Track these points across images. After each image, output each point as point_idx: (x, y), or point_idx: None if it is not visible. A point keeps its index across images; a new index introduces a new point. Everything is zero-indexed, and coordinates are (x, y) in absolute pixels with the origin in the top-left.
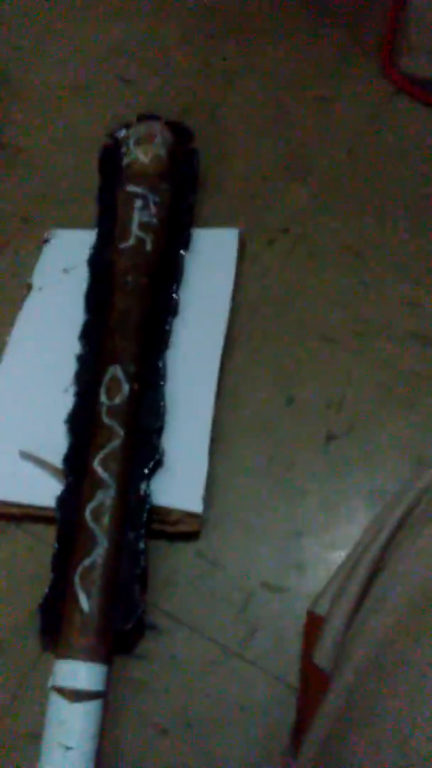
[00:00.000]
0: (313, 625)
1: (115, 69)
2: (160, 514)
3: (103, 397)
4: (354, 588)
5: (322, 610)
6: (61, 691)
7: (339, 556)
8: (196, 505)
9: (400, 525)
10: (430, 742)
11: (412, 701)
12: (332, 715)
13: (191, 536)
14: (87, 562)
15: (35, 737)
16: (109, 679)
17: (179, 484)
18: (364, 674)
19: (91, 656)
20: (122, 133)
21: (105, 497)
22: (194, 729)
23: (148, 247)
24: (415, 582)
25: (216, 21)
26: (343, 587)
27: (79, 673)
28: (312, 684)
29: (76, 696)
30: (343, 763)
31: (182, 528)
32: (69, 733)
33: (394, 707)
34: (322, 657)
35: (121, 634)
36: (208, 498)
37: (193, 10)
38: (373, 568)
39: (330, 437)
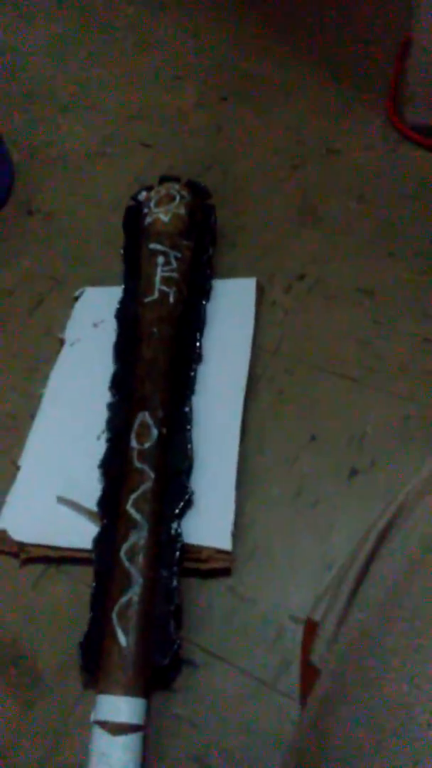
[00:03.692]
0: (310, 629)
1: (136, 134)
2: (192, 552)
3: (133, 442)
4: (344, 594)
5: (318, 616)
6: (103, 725)
7: None
8: (225, 543)
9: (383, 535)
10: (379, 731)
11: (378, 686)
12: (318, 701)
13: (223, 573)
14: (123, 600)
15: None
16: (149, 714)
17: (209, 522)
18: (344, 664)
19: (130, 691)
20: (143, 194)
21: (138, 537)
22: (232, 761)
23: (171, 299)
24: (385, 582)
25: (229, 82)
26: (334, 594)
27: (120, 707)
28: (309, 682)
29: (117, 729)
30: (322, 739)
31: (213, 565)
32: (111, 765)
33: (360, 695)
34: (316, 657)
35: (158, 670)
36: (238, 535)
37: (206, 74)
38: (361, 575)
39: (353, 472)
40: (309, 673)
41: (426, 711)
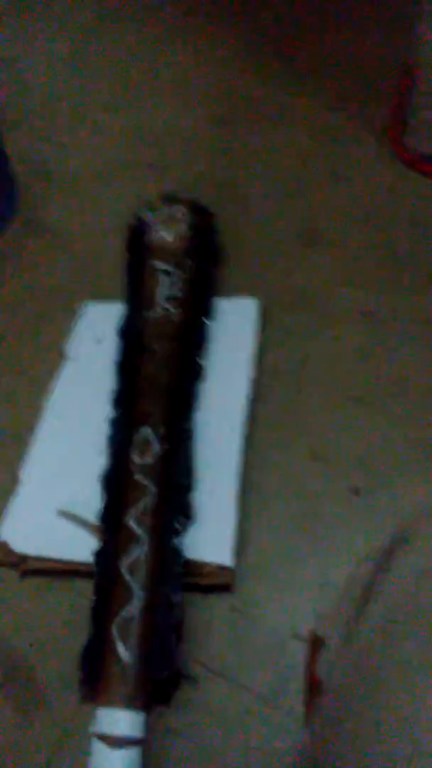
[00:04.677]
0: (316, 644)
1: (141, 155)
2: (193, 567)
3: (135, 457)
4: (350, 610)
5: (323, 631)
6: (103, 738)
7: None
8: (227, 559)
9: (388, 553)
10: (386, 750)
11: (384, 703)
12: (323, 717)
13: (224, 588)
14: (124, 613)
15: None
16: (149, 728)
17: (210, 538)
18: (349, 679)
19: (130, 704)
20: (147, 213)
21: (140, 552)
22: None
23: (174, 317)
24: (391, 599)
25: (234, 106)
26: (340, 610)
27: (119, 720)
28: (315, 695)
29: (117, 742)
30: (328, 756)
31: (215, 580)
32: None
33: (365, 713)
34: (322, 671)
35: (158, 684)
36: (240, 551)
37: (210, 97)
38: (366, 592)
39: (355, 490)
40: (315, 687)
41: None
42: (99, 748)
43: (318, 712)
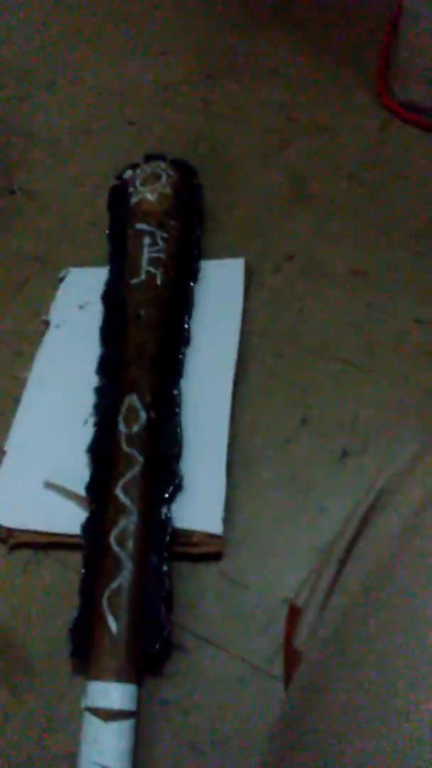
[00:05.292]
0: (293, 614)
1: (121, 112)
2: (182, 536)
3: (121, 426)
4: (325, 579)
5: (300, 601)
6: (95, 712)
7: None
8: (216, 527)
9: (364, 520)
10: (362, 709)
11: (356, 671)
12: (299, 688)
13: (214, 557)
14: (114, 585)
15: (72, 756)
16: (141, 700)
17: (199, 506)
18: (326, 650)
19: (121, 677)
20: (129, 173)
21: (128, 522)
22: (225, 746)
23: (159, 281)
24: (367, 565)
25: (215, 60)
26: (317, 578)
27: (111, 693)
28: (292, 666)
29: (109, 716)
30: (302, 726)
31: (204, 549)
32: (104, 751)
33: (342, 676)
34: (299, 642)
35: (149, 655)
36: (229, 519)
37: (192, 52)
38: (343, 559)
39: (345, 454)
40: (293, 658)
41: (404, 698)
42: (91, 721)
43: (293, 684)
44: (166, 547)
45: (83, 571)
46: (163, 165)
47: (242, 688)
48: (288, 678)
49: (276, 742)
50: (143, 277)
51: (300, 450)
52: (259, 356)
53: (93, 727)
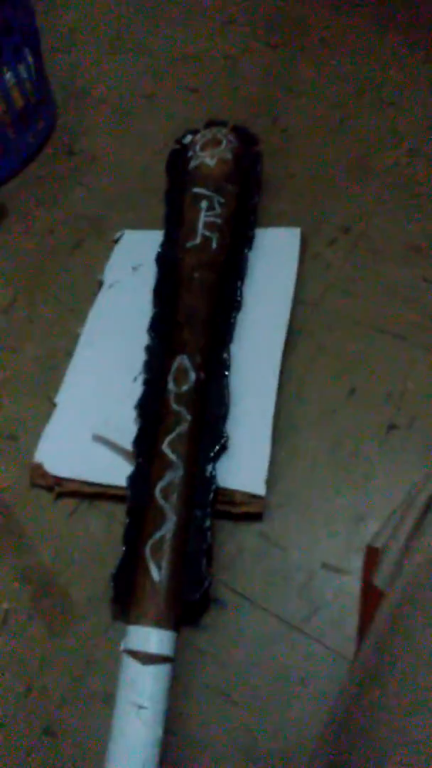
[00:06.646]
0: (372, 556)
1: (183, 79)
2: (225, 495)
3: (171, 385)
4: (409, 521)
5: (379, 543)
6: (133, 654)
7: None
8: (259, 488)
9: None
10: None
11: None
12: (381, 627)
13: (254, 517)
14: (157, 535)
15: (108, 696)
16: (177, 647)
17: (243, 467)
18: (408, 590)
19: (161, 623)
20: (189, 138)
21: (173, 477)
22: (257, 697)
23: (214, 245)
24: None
25: (280, 28)
26: (399, 522)
27: (150, 637)
28: (370, 603)
29: (147, 659)
30: (383, 668)
31: (246, 509)
32: (141, 693)
33: (423, 621)
34: (380, 580)
35: (188, 605)
36: (272, 482)
37: (257, 22)
38: (427, 503)
39: (391, 427)
40: (371, 593)
41: None
42: (129, 664)
43: (374, 619)
44: (210, 504)
45: (128, 521)
46: (223, 131)
47: (276, 644)
48: (364, 617)
49: (351, 689)
50: (198, 240)
51: (346, 421)
52: (309, 327)
53: (131, 669)
